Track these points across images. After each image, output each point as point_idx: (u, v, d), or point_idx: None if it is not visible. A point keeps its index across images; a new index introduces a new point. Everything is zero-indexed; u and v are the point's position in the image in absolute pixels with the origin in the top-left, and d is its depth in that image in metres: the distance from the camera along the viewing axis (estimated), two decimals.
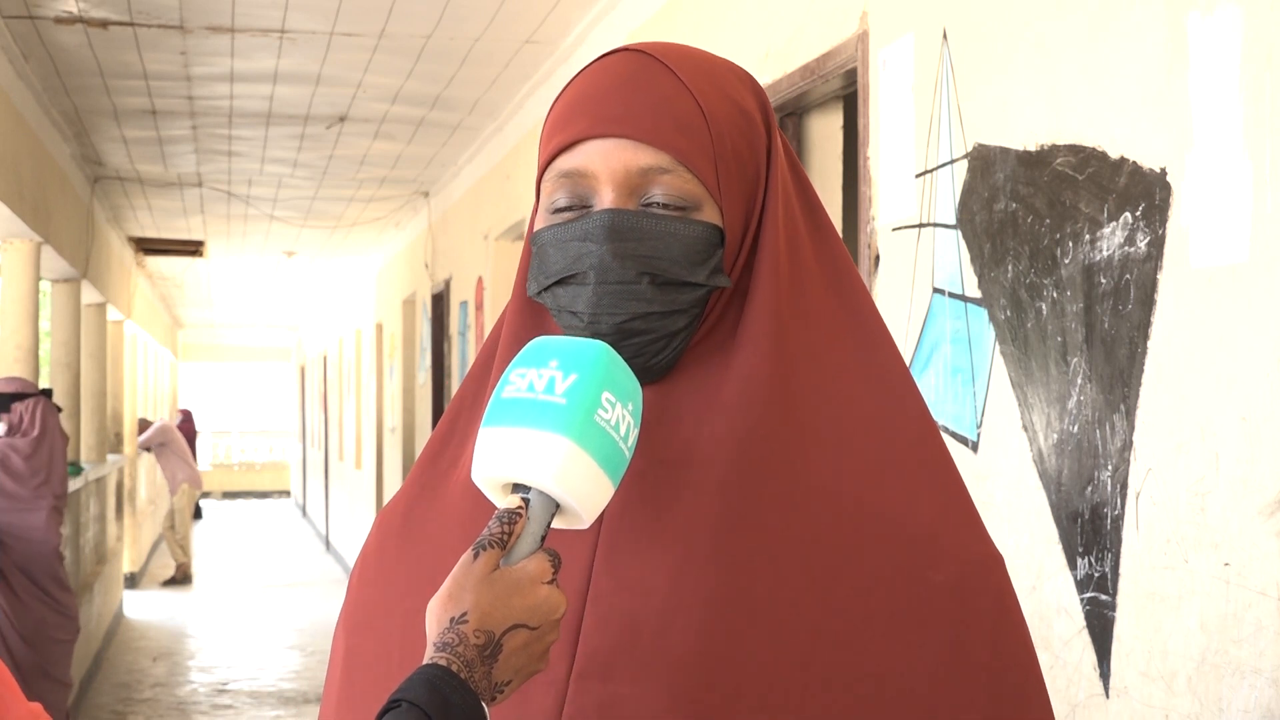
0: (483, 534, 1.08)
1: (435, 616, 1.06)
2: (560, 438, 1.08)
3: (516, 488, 1.10)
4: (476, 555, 1.07)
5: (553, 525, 1.10)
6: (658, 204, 1.18)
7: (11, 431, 5.94)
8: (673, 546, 1.17)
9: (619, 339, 1.18)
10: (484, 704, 1.04)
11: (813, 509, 1.18)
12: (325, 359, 20.03)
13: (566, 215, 1.21)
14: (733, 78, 1.25)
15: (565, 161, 1.20)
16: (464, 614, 1.05)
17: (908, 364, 3.12)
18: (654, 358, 1.20)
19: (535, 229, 1.24)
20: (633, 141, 1.18)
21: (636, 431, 1.13)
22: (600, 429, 1.09)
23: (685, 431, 1.20)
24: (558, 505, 1.10)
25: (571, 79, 1.25)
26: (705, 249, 1.19)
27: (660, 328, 1.19)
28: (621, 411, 1.11)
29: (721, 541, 1.17)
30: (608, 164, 1.18)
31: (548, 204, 1.22)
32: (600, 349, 1.12)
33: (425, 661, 1.04)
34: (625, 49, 1.24)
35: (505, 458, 1.09)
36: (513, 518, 1.08)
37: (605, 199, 1.19)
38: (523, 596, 1.06)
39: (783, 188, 1.24)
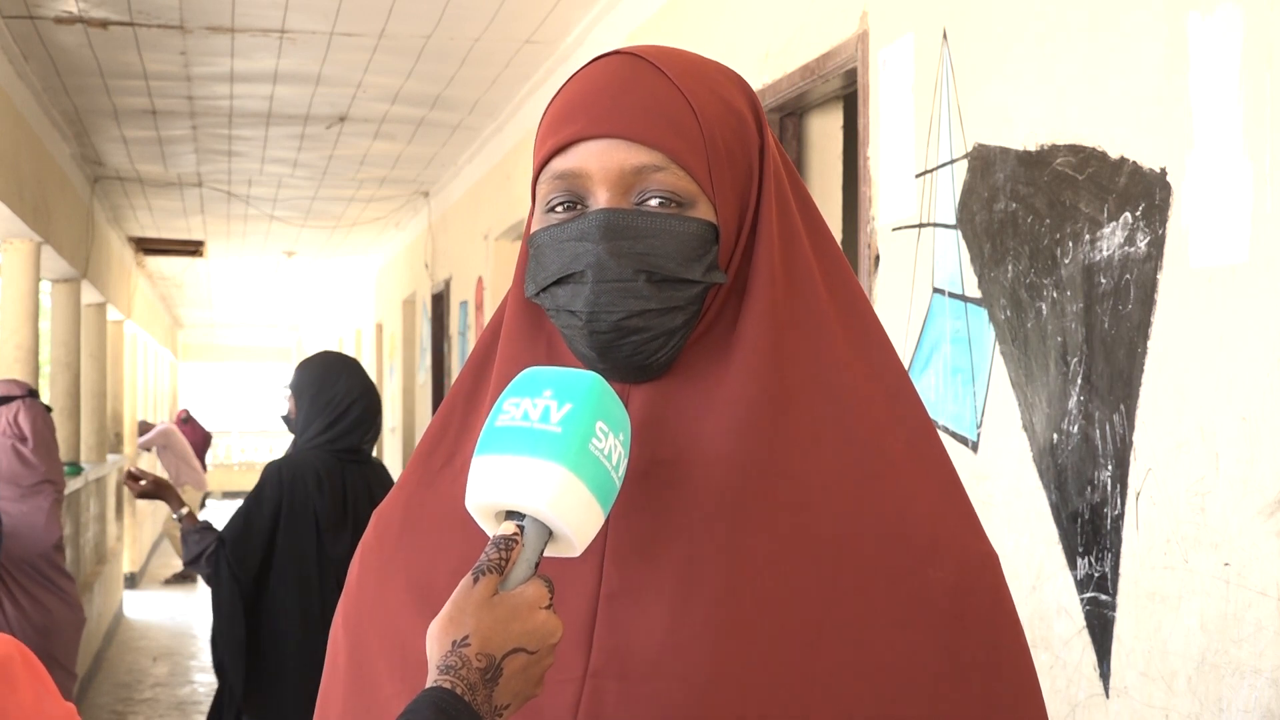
0: (480, 559, 1.09)
1: (436, 639, 1.07)
2: (556, 466, 1.09)
3: (511, 514, 1.11)
4: (476, 580, 1.08)
5: (545, 554, 1.12)
6: (652, 202, 1.19)
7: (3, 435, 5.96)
8: (678, 546, 1.19)
9: (617, 337, 1.19)
10: None
11: (812, 507, 1.20)
12: None
13: (562, 216, 1.22)
14: (723, 78, 1.26)
15: (560, 163, 1.22)
16: (465, 637, 1.06)
17: (908, 364, 3.13)
18: (652, 356, 1.21)
19: (532, 231, 1.25)
20: (625, 141, 1.19)
21: (626, 462, 1.14)
22: (594, 458, 1.10)
23: (685, 431, 1.21)
24: (551, 533, 1.11)
25: (564, 83, 1.26)
26: (700, 245, 1.20)
27: (658, 325, 1.20)
28: (613, 441, 1.12)
29: (725, 540, 1.18)
30: (601, 164, 1.20)
31: (543, 205, 1.24)
32: (593, 379, 1.13)
33: (429, 684, 1.05)
34: (617, 52, 1.25)
35: (501, 485, 1.10)
36: (509, 544, 1.09)
37: (600, 198, 1.20)
38: (521, 621, 1.08)
39: (776, 185, 1.26)
